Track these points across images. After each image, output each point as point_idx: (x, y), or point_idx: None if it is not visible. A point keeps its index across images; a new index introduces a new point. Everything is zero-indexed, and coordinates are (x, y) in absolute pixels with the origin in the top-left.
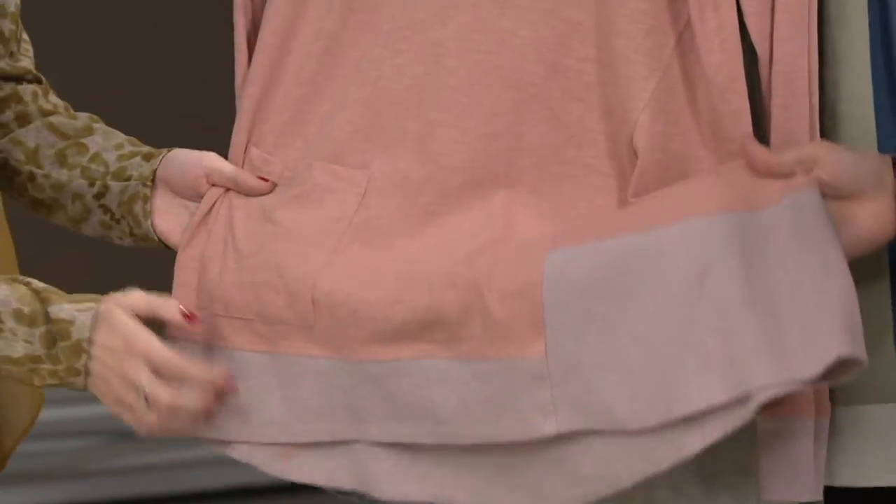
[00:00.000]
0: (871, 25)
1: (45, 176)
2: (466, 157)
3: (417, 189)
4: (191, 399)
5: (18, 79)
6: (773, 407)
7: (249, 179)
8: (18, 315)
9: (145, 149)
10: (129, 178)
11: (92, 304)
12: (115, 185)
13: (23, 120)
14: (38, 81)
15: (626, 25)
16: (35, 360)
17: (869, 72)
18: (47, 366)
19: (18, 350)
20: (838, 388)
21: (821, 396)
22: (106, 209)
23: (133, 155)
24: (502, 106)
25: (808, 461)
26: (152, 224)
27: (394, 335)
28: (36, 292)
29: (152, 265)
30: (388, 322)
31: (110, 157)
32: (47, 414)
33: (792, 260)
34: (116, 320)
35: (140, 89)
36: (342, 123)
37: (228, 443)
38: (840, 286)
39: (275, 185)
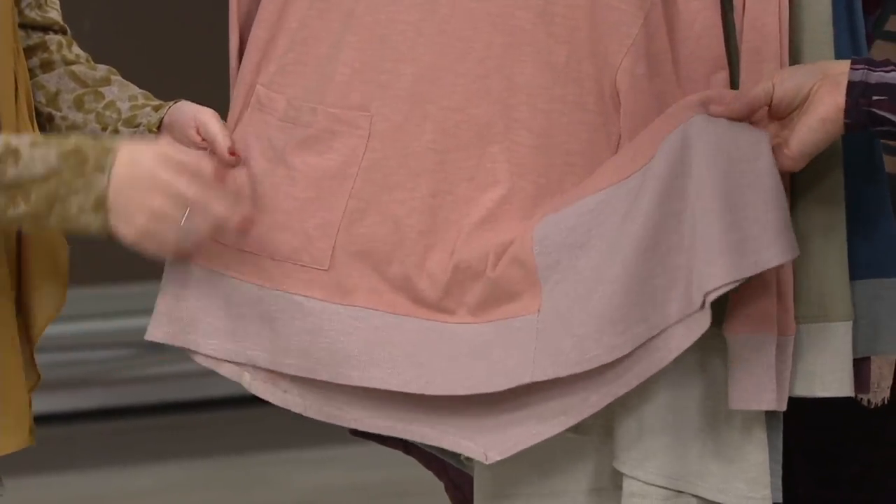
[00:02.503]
0: None
1: (63, 118)
2: (462, 98)
3: (418, 129)
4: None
5: (46, 29)
6: (740, 325)
7: (222, 149)
8: (33, 143)
9: (156, 102)
10: (138, 126)
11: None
12: (125, 131)
13: (47, 67)
14: (64, 32)
15: None
16: (57, 172)
17: (830, 17)
18: (68, 177)
19: (39, 168)
20: (798, 310)
21: (786, 318)
22: None
23: (144, 106)
24: (494, 50)
25: (769, 374)
26: None
27: (406, 299)
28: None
29: None
30: (407, 291)
31: (124, 106)
32: (80, 327)
33: (738, 172)
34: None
35: (146, 47)
36: (341, 66)
37: (221, 361)
38: (779, 200)
39: (240, 160)
